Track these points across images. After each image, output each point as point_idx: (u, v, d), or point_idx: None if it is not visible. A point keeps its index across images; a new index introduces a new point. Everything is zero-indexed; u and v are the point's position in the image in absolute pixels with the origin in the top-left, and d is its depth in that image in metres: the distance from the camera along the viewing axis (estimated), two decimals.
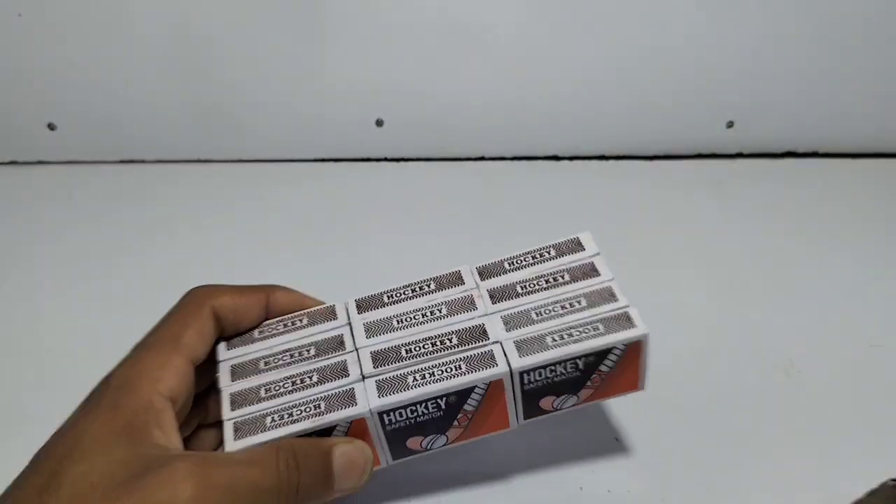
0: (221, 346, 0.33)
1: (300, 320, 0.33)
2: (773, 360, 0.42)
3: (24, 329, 0.46)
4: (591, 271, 0.33)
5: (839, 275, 0.49)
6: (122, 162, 0.61)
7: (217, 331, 0.32)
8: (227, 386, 0.31)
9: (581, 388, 0.32)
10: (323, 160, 0.61)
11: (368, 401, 0.30)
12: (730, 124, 0.60)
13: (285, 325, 0.33)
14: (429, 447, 0.31)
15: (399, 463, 0.32)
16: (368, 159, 0.61)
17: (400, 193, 0.58)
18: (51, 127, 0.59)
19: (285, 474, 0.27)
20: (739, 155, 0.62)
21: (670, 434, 0.38)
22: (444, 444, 0.31)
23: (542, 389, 0.31)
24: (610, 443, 0.38)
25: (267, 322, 0.33)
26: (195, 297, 0.31)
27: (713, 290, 0.48)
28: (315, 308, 0.34)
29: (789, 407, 0.40)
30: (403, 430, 0.31)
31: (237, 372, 0.32)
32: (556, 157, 0.61)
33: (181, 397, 0.29)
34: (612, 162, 0.61)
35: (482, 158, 0.61)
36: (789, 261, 0.50)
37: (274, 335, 0.33)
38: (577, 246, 0.34)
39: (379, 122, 0.59)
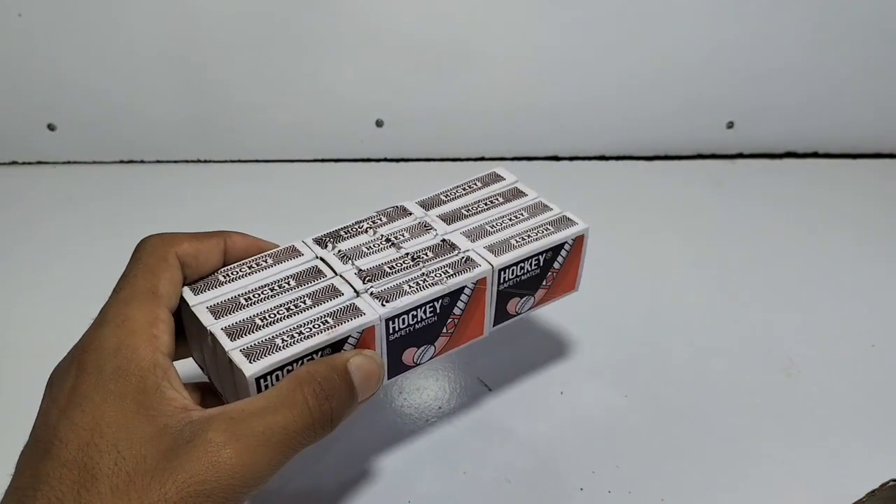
0: (187, 292, 0.32)
1: (264, 261, 0.33)
2: (773, 360, 0.42)
3: (24, 329, 0.46)
4: (518, 193, 0.37)
5: (839, 275, 0.49)
6: (121, 162, 0.61)
7: (182, 278, 0.31)
8: (213, 324, 0.30)
9: (538, 288, 0.35)
10: (323, 160, 0.61)
11: (375, 309, 0.30)
12: (730, 124, 0.60)
13: (250, 267, 0.33)
14: (419, 361, 0.33)
15: (392, 381, 0.33)
16: (368, 159, 0.61)
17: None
18: (51, 127, 0.59)
19: (316, 407, 0.26)
20: (739, 155, 0.62)
21: (671, 434, 0.38)
22: (431, 356, 0.33)
23: (510, 290, 0.34)
24: (610, 443, 0.38)
25: (228, 267, 0.33)
26: (156, 247, 0.30)
27: (713, 290, 0.48)
28: (275, 250, 0.34)
29: (789, 407, 0.40)
30: (402, 339, 0.32)
31: (217, 311, 0.31)
32: (556, 158, 0.61)
33: (173, 350, 0.28)
34: (612, 162, 0.61)
35: (482, 158, 0.61)
36: (789, 261, 0.50)
37: (241, 276, 0.32)
38: (497, 177, 0.38)
39: (379, 123, 0.59)
